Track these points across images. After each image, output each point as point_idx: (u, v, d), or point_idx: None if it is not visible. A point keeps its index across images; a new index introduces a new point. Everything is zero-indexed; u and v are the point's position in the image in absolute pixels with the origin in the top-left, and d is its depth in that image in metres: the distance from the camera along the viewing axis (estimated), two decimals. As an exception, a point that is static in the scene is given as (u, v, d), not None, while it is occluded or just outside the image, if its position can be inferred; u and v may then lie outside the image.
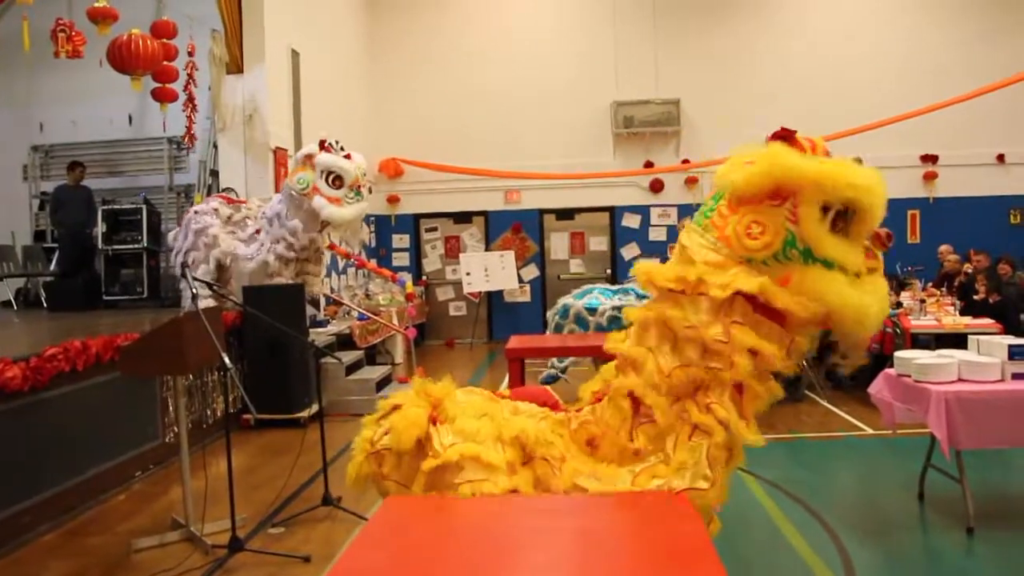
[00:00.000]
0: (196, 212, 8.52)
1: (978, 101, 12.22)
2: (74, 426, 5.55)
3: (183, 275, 7.70)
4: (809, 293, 2.96)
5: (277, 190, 9.49)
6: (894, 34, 14.32)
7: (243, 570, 4.45)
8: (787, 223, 2.97)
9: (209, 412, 7.39)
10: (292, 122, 10.31)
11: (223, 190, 9.30)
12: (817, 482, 5.99)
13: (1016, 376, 4.89)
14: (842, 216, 3.00)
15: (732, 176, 3.05)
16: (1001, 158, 14.19)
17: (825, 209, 2.95)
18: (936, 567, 4.64)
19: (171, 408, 6.56)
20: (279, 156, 9.62)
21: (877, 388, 5.50)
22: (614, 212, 14.66)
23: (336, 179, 7.82)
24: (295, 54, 10.32)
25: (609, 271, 14.67)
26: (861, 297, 2.96)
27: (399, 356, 11.55)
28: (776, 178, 2.95)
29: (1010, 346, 4.93)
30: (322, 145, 7.91)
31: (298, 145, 10.36)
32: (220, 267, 8.43)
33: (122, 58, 8.63)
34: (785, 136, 3.14)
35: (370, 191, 8.12)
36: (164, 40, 9.29)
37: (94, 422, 5.79)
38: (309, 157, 7.94)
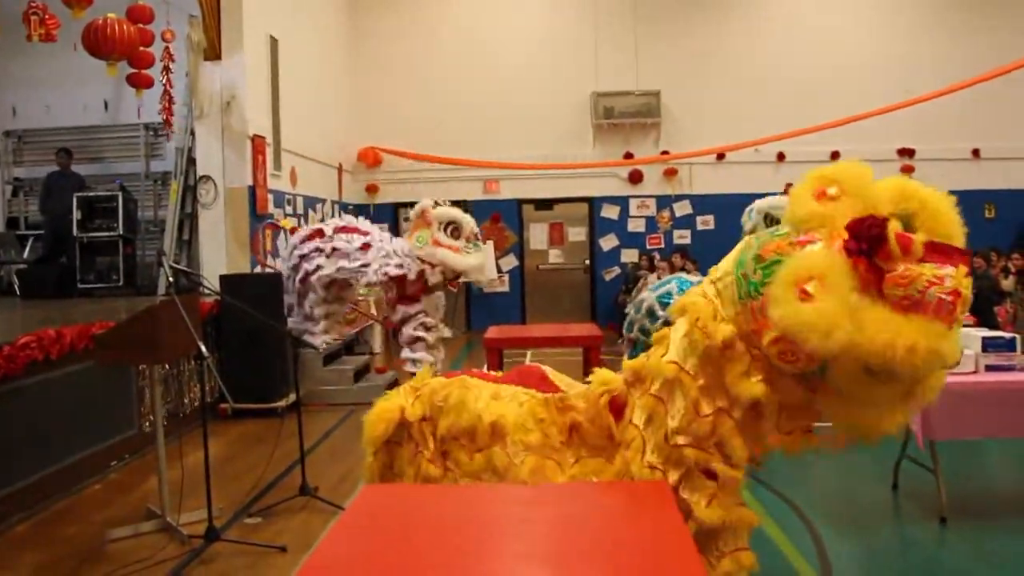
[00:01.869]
0: (299, 244, 8.45)
1: (954, 96, 12.32)
2: (48, 415, 5.49)
3: (159, 263, 7.66)
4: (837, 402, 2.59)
5: (255, 178, 9.43)
6: (873, 29, 14.40)
7: (219, 560, 4.43)
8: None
9: (186, 401, 7.35)
10: (271, 110, 10.23)
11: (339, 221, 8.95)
12: (793, 473, 6.04)
13: (990, 368, 4.95)
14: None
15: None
16: (976, 153, 14.33)
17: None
18: (910, 557, 4.69)
19: (147, 397, 6.51)
20: (257, 144, 9.55)
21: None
22: (593, 203, 14.66)
23: (454, 230, 8.14)
24: (274, 41, 10.24)
25: (588, 262, 14.69)
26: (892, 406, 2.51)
27: (377, 346, 11.53)
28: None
29: (984, 338, 4.99)
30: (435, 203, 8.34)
31: (276, 132, 10.30)
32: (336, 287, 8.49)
33: (97, 42, 8.52)
34: (871, 238, 2.31)
35: (484, 241, 8.52)
36: (140, 25, 9.18)
37: (69, 411, 5.74)
38: (423, 214, 8.24)
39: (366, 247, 8.22)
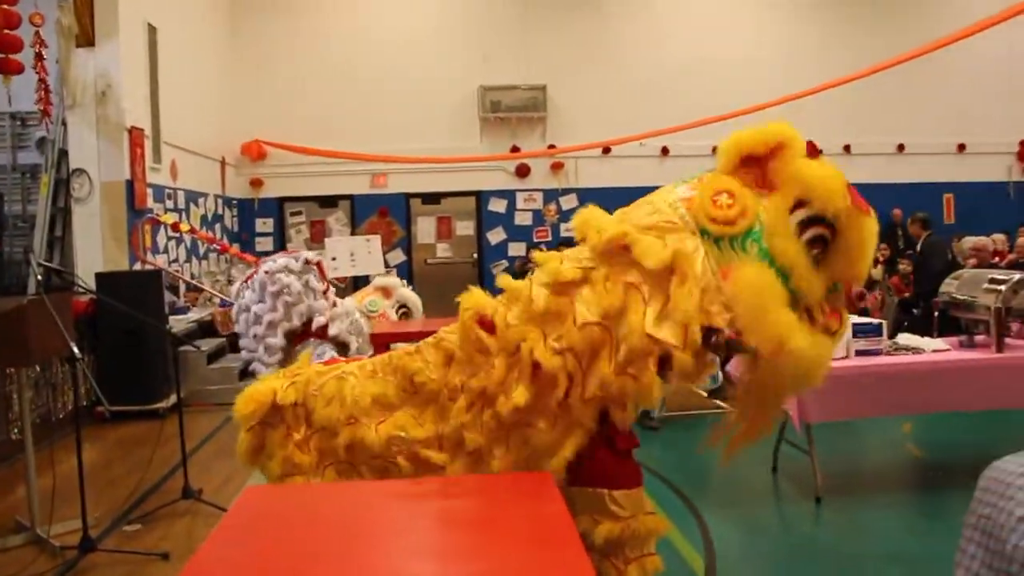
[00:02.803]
0: (268, 272, 8.01)
1: (830, 93, 12.72)
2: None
3: (27, 260, 7.31)
4: (742, 298, 2.60)
5: (133, 172, 9.08)
6: (755, 25, 14.84)
7: (96, 571, 4.26)
8: (761, 212, 2.64)
9: (59, 405, 7.04)
10: (149, 100, 9.88)
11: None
12: (678, 459, 6.19)
13: (859, 352, 5.19)
14: (820, 242, 2.67)
15: (733, 138, 2.77)
16: (848, 148, 14.94)
17: (804, 224, 2.64)
18: (788, 535, 4.88)
19: (15, 402, 6.20)
20: (135, 136, 9.19)
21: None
22: (480, 196, 14.68)
23: (405, 314, 8.39)
24: (152, 29, 9.87)
25: (476, 255, 14.71)
26: (796, 324, 2.57)
27: (232, 299, 11.23)
28: (768, 145, 2.72)
29: (853, 324, 5.22)
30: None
31: (155, 124, 9.95)
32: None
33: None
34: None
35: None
36: (5, 6, 8.70)
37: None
38: (386, 288, 8.48)
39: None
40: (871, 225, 2.72)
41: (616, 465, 2.85)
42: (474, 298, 2.98)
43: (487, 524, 2.28)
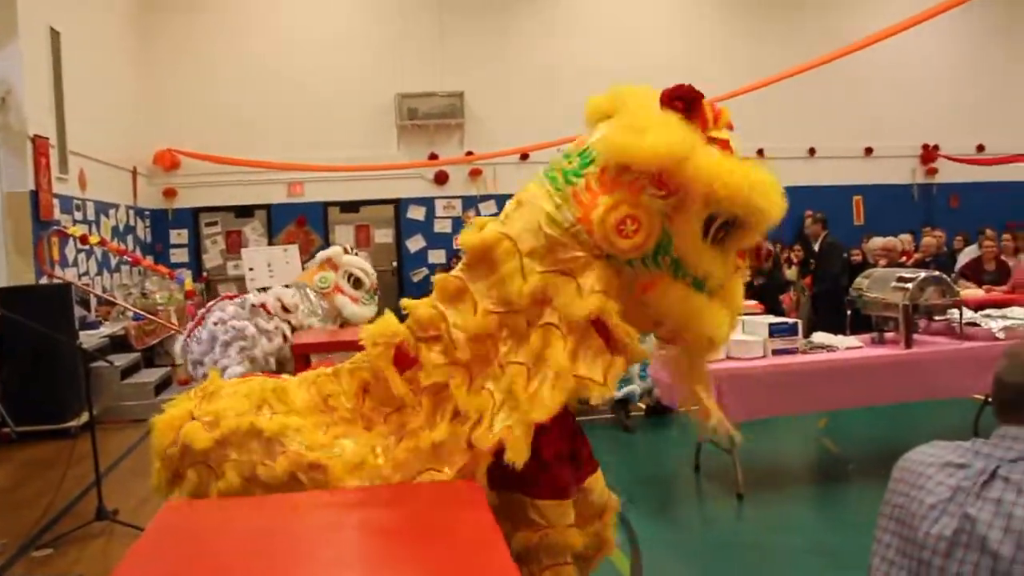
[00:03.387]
0: (217, 324, 7.86)
1: (745, 98, 13.02)
2: None
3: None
4: (670, 313, 2.64)
5: (37, 182, 8.78)
6: (673, 31, 15.11)
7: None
8: (665, 223, 2.51)
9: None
10: (54, 108, 9.56)
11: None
12: (604, 461, 6.23)
13: (776, 352, 5.30)
14: (725, 226, 2.56)
15: (624, 142, 2.49)
16: (761, 152, 15.28)
17: (709, 219, 2.53)
18: (711, 532, 4.96)
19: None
20: (39, 145, 8.87)
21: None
22: (399, 204, 14.59)
23: (356, 281, 8.42)
24: (55, 33, 9.55)
25: (395, 263, 14.61)
26: (719, 317, 2.63)
27: (179, 357, 10.99)
28: (676, 161, 2.45)
29: (770, 325, 5.34)
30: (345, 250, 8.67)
31: (61, 133, 9.63)
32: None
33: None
34: (689, 100, 2.56)
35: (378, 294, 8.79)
36: None
37: None
38: (331, 259, 8.54)
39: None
40: (766, 200, 2.50)
41: (540, 473, 2.81)
42: (384, 329, 2.79)
43: (411, 532, 2.25)
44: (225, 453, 2.83)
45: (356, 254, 8.80)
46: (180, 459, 2.89)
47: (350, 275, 8.51)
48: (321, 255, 8.78)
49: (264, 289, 8.69)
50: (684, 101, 2.55)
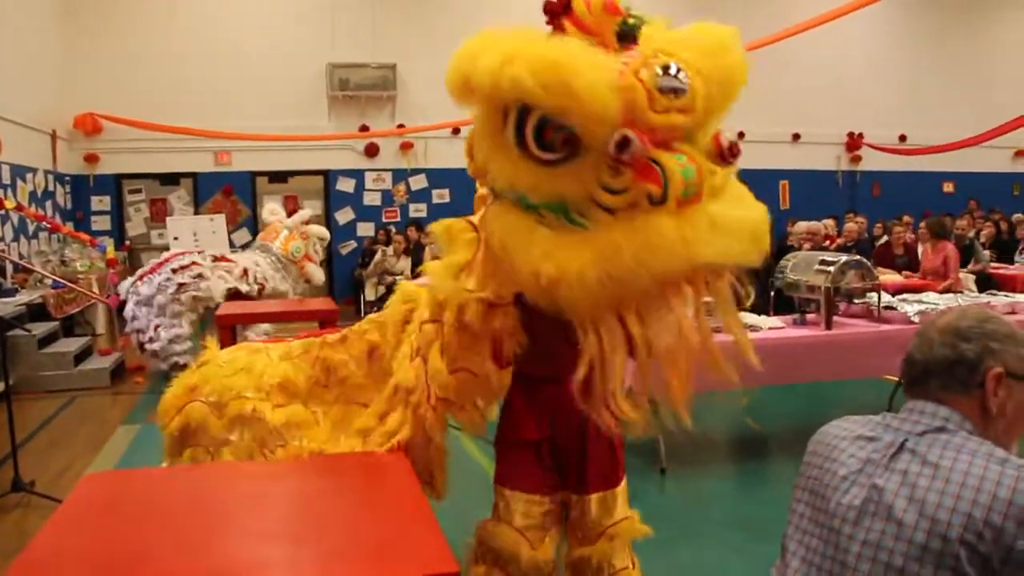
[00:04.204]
0: (176, 271, 8.51)
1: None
2: None
3: None
4: (489, 241, 2.29)
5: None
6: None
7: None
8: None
9: None
10: (-33, 68, 9.22)
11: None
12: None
13: (703, 331, 5.41)
14: (569, 144, 2.02)
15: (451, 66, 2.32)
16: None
17: (521, 119, 2.05)
18: (635, 505, 5.04)
19: None
20: (-48, 105, 8.56)
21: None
22: (328, 176, 14.42)
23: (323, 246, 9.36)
24: (-30, -10, 9.21)
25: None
26: (546, 246, 2.06)
27: (101, 326, 10.74)
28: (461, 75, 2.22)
29: (698, 305, 5.44)
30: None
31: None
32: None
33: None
34: (552, 14, 2.15)
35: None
36: None
37: None
38: (300, 229, 9.40)
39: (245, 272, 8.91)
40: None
41: (500, 457, 2.82)
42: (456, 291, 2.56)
43: (339, 504, 2.26)
44: (225, 436, 2.81)
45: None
46: (180, 438, 2.88)
47: (320, 240, 9.43)
48: (292, 222, 9.48)
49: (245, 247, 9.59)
50: (549, 16, 2.16)
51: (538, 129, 2.02)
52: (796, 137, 16.23)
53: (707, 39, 2.23)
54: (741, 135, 15.88)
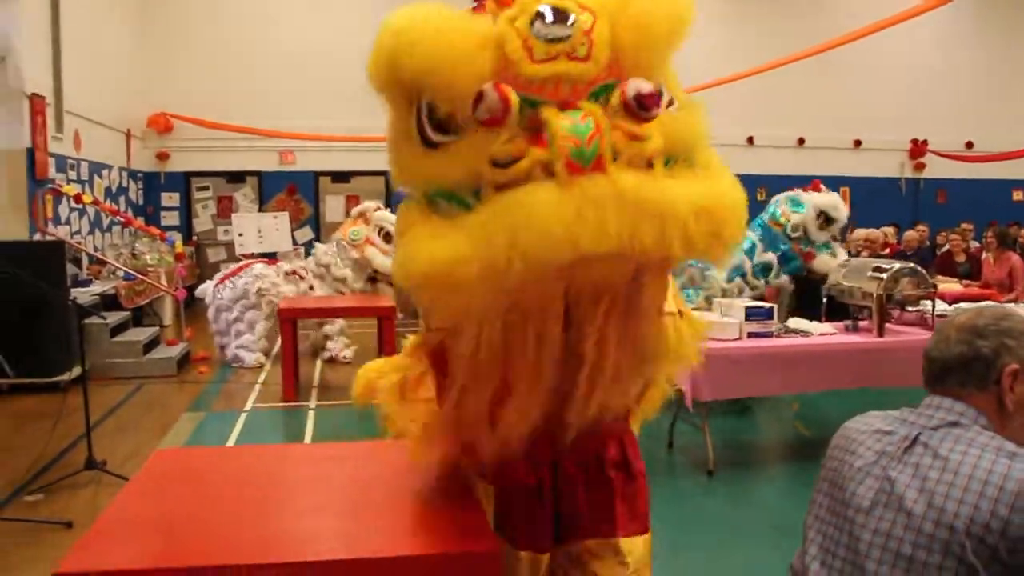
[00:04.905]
0: (257, 277, 9.07)
1: (731, 88, 13.17)
2: None
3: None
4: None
5: (34, 141, 8.85)
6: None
7: (-2, 537, 4.24)
8: None
9: (-47, 377, 6.86)
10: (52, 68, 9.61)
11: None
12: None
13: (752, 335, 5.46)
14: (442, 126, 1.77)
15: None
16: (751, 140, 15.45)
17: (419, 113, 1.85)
18: (681, 508, 5.12)
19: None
20: (36, 104, 8.94)
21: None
22: (389, 176, 14.62)
23: (387, 235, 9.09)
24: (54, -7, 9.62)
25: (387, 235, 14.71)
26: (421, 242, 1.69)
27: (168, 318, 11.12)
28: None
29: (746, 308, 5.50)
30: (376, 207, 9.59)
31: (57, 92, 9.69)
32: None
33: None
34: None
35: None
36: None
37: None
38: (364, 214, 9.40)
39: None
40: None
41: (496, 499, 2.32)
42: None
43: (392, 484, 2.38)
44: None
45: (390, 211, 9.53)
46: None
47: (381, 228, 9.25)
48: (355, 210, 9.64)
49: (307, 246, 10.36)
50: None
51: (431, 110, 1.78)
52: (858, 143, 16.06)
53: None
54: (801, 140, 15.80)
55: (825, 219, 7.52)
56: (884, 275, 5.73)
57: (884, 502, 1.73)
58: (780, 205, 7.73)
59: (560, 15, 1.62)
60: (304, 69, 13.94)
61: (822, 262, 7.43)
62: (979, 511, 1.58)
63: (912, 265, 6.07)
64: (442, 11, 1.71)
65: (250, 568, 1.85)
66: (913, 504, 1.66)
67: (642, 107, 1.59)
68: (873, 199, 15.73)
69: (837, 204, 7.61)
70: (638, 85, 1.61)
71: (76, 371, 7.42)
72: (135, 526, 2.10)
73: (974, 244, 10.86)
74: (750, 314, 5.48)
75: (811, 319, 6.16)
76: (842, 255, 7.63)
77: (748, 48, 14.22)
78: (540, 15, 1.62)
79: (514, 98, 1.58)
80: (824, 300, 6.45)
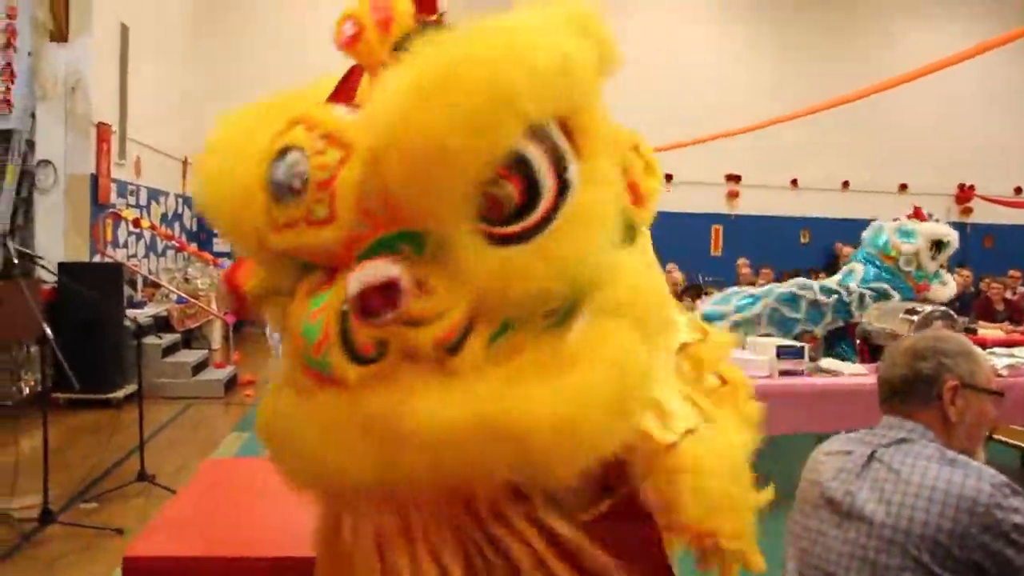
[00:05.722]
0: None
1: (775, 131, 13.29)
2: None
3: (3, 244, 7.50)
4: None
5: (98, 167, 9.26)
6: (719, 55, 15.38)
7: (54, 543, 4.47)
8: None
9: (14, 389, 7.19)
10: (118, 98, 10.06)
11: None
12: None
13: (783, 373, 5.57)
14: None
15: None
16: (795, 182, 15.52)
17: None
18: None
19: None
20: (102, 131, 9.37)
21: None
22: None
23: None
24: (124, 28, 10.07)
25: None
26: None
27: (216, 341, 11.45)
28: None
29: (777, 347, 5.61)
30: None
31: (122, 121, 10.13)
32: None
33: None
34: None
35: None
36: (-20, 1, 8.87)
37: None
38: None
39: None
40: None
41: None
42: None
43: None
44: None
45: None
46: None
47: None
48: None
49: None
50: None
51: None
52: (903, 187, 16.04)
53: (418, 71, 1.11)
54: (846, 184, 15.79)
55: (936, 248, 7.22)
56: (916, 317, 5.82)
57: (847, 513, 1.92)
58: (889, 236, 7.19)
59: (288, 165, 1.21)
60: (357, 103, 14.29)
61: (936, 292, 7.04)
62: (930, 515, 1.77)
63: (944, 308, 6.14)
64: (240, 129, 1.51)
65: (293, 560, 2.03)
66: (872, 514, 1.86)
67: (366, 311, 1.09)
68: (918, 243, 15.66)
69: (949, 231, 7.28)
70: (364, 275, 1.09)
71: (128, 388, 7.72)
72: (190, 522, 2.30)
73: (1021, 290, 10.82)
74: (781, 353, 5.59)
75: (842, 359, 6.24)
76: (952, 284, 7.30)
77: (792, 90, 14.32)
78: (275, 161, 1.24)
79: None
80: (858, 341, 6.53)
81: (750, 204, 15.38)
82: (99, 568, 4.24)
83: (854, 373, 5.84)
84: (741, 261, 12.48)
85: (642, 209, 1.48)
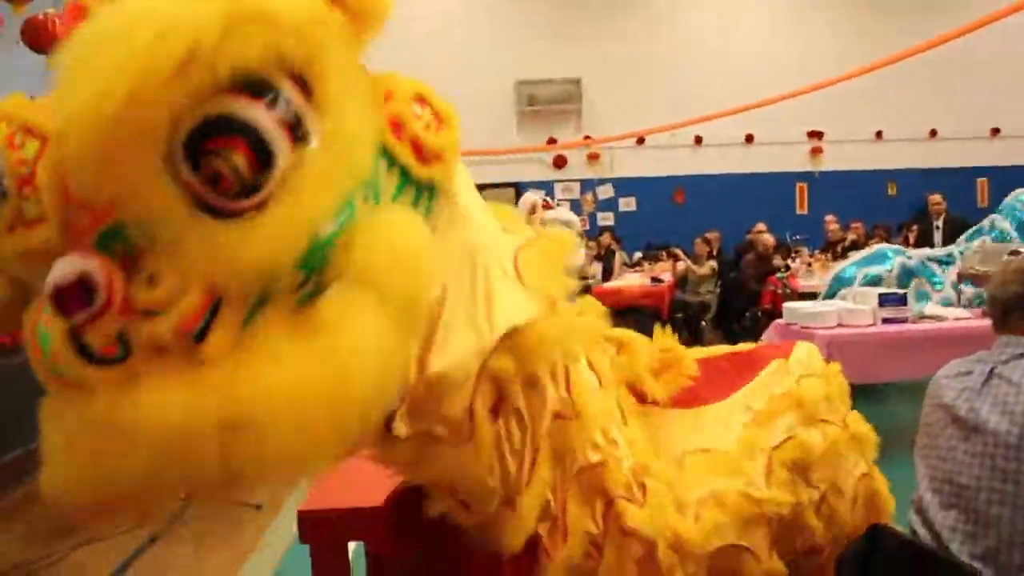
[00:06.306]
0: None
1: (858, 82, 13.05)
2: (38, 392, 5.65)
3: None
4: None
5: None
6: (781, 19, 15.17)
7: (196, 520, 4.76)
8: None
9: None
10: None
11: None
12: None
13: (885, 320, 5.59)
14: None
15: None
16: (879, 135, 15.21)
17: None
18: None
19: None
20: None
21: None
22: (519, 187, 15.02)
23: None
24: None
25: (516, 245, 15.11)
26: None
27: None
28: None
29: (880, 295, 5.63)
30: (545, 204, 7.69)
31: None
32: None
33: (39, 39, 8.59)
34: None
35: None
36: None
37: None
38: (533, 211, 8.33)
39: None
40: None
41: None
42: None
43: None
44: None
45: (557, 206, 8.20)
46: None
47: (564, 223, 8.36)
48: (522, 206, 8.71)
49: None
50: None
51: None
52: (995, 132, 15.55)
53: (83, 34, 0.97)
54: (933, 132, 15.38)
55: None
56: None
57: (973, 427, 2.05)
58: None
59: None
60: (434, 88, 14.43)
61: None
62: None
63: (1049, 247, 6.05)
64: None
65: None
66: (997, 425, 1.98)
67: (67, 313, 1.02)
68: (1013, 189, 15.19)
69: None
70: (53, 275, 1.02)
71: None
72: (347, 481, 2.51)
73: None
74: (883, 301, 5.61)
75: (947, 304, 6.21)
76: None
77: (871, 40, 14.01)
78: None
79: None
80: (961, 287, 6.47)
81: (834, 160, 15.12)
82: (244, 541, 4.53)
83: (958, 317, 5.81)
84: (829, 218, 12.35)
85: (433, 166, 1.34)
